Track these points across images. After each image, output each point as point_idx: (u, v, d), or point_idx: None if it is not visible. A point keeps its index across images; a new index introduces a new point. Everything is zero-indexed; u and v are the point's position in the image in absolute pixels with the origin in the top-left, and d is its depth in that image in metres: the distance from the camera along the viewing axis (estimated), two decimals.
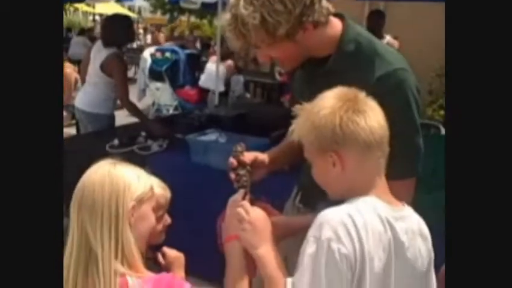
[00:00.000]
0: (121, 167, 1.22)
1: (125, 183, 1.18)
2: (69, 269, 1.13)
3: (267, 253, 1.17)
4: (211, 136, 3.05)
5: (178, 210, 1.77)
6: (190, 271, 1.44)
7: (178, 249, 1.59)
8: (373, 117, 1.13)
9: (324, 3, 1.34)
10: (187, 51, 8.02)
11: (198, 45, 11.63)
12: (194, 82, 7.38)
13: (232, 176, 1.41)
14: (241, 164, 1.42)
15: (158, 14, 21.11)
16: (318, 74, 1.32)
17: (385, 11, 7.84)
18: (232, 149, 1.46)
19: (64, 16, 22.26)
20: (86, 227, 1.14)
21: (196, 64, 7.81)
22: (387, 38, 5.03)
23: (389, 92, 1.27)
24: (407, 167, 1.36)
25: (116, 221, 1.14)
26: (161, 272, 1.26)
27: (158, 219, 1.48)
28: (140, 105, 7.65)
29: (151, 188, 1.26)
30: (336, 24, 1.40)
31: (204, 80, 7.04)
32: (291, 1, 1.26)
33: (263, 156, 1.52)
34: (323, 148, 1.14)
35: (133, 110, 3.69)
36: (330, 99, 1.15)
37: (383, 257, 1.08)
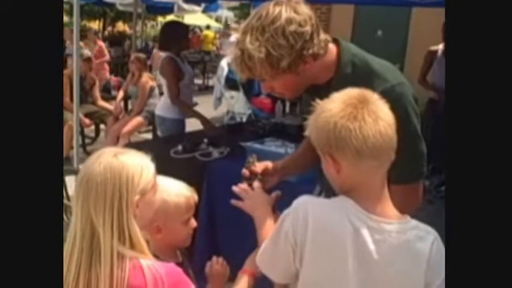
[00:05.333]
0: (122, 158, 1.21)
1: (127, 177, 1.18)
2: (71, 259, 1.15)
3: (261, 216, 1.41)
4: (269, 144, 3.08)
5: (233, 217, 1.81)
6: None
7: (232, 253, 1.65)
8: (372, 126, 1.11)
9: (322, 36, 1.45)
10: None
11: None
12: None
13: (246, 185, 1.56)
14: (254, 174, 1.57)
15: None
16: (321, 97, 1.35)
17: None
18: (247, 160, 1.63)
19: (156, 28, 23.47)
20: (92, 217, 1.16)
21: None
22: None
23: (389, 108, 1.29)
24: (413, 172, 1.48)
25: (120, 215, 1.16)
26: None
27: (185, 222, 1.53)
28: (216, 113, 7.88)
29: (154, 176, 1.26)
30: (332, 50, 1.50)
31: None
32: (292, 36, 1.37)
33: (273, 165, 1.69)
34: (321, 149, 1.19)
35: (185, 108, 3.85)
36: (334, 103, 1.17)
37: (335, 252, 1.13)
